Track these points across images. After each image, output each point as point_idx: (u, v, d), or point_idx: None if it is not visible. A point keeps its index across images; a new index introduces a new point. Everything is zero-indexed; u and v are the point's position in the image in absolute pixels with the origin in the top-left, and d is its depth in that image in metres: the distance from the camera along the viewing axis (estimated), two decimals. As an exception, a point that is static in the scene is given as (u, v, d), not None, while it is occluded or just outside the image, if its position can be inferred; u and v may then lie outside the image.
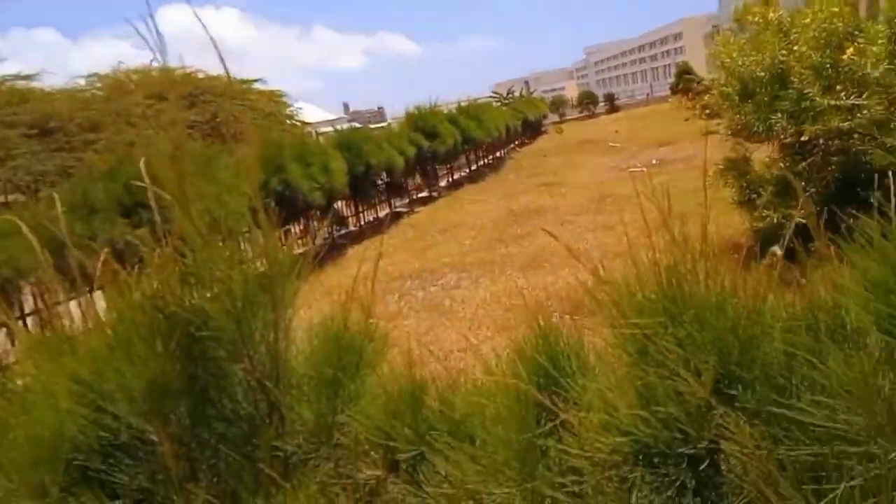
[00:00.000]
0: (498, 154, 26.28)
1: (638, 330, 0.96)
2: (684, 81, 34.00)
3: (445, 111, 18.96)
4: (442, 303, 7.49)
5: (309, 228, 11.77)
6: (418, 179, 17.89)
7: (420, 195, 17.83)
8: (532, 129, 35.33)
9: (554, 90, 69.65)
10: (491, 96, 41.85)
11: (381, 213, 15.12)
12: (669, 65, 60.35)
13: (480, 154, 23.48)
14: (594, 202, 13.40)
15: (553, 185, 16.58)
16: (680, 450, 0.82)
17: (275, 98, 29.97)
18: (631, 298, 1.03)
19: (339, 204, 13.29)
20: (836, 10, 6.73)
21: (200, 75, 27.52)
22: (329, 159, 10.97)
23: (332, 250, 12.19)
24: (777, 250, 1.05)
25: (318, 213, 11.81)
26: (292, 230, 11.41)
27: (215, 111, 26.06)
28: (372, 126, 26.78)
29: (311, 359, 1.28)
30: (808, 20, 6.97)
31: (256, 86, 29.55)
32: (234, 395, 1.34)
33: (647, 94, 51.69)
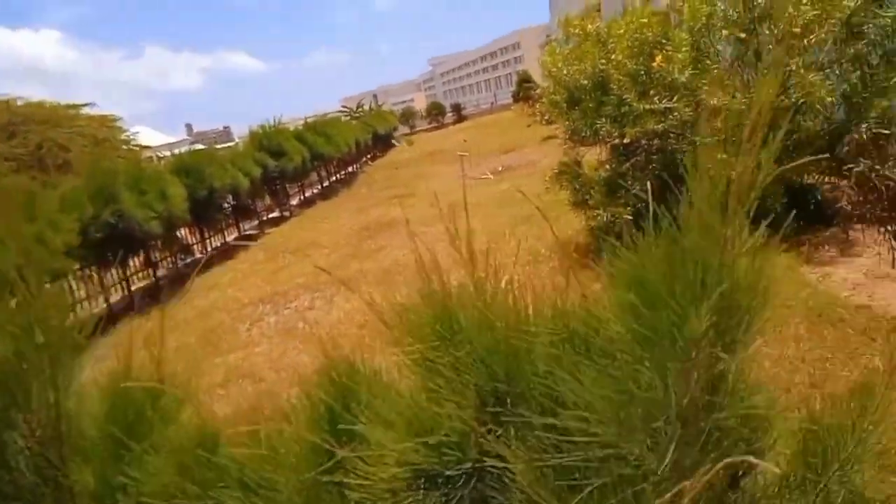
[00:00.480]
0: (350, 169, 26.19)
1: (418, 354, 0.97)
2: (524, 89, 35.61)
3: (292, 128, 18.62)
4: (296, 326, 7.32)
5: (150, 260, 11.11)
6: (268, 200, 17.45)
7: (271, 216, 17.38)
8: (383, 143, 35.52)
9: (403, 102, 70.43)
10: (340, 111, 41.65)
11: (230, 238, 14.58)
12: (511, 74, 62.88)
13: (332, 170, 23.28)
14: (444, 211, 13.67)
15: (405, 197, 16.73)
16: (453, 471, 0.84)
17: (107, 123, 28.07)
18: (416, 320, 1.05)
19: (183, 231, 12.67)
20: (644, 20, 7.30)
21: (19, 102, 25.37)
22: (166, 185, 10.42)
23: (177, 281, 11.59)
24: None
25: (160, 242, 11.19)
26: (132, 263, 10.72)
27: (39, 141, 24.01)
28: (218, 146, 25.76)
29: (98, 418, 1.20)
30: (622, 31, 7.51)
31: (86, 111, 27.58)
32: (13, 465, 1.22)
33: (492, 103, 53.47)
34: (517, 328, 0.92)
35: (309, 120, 20.23)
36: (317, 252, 11.36)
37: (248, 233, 15.40)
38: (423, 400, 0.88)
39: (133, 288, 10.89)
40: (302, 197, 19.82)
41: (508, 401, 0.88)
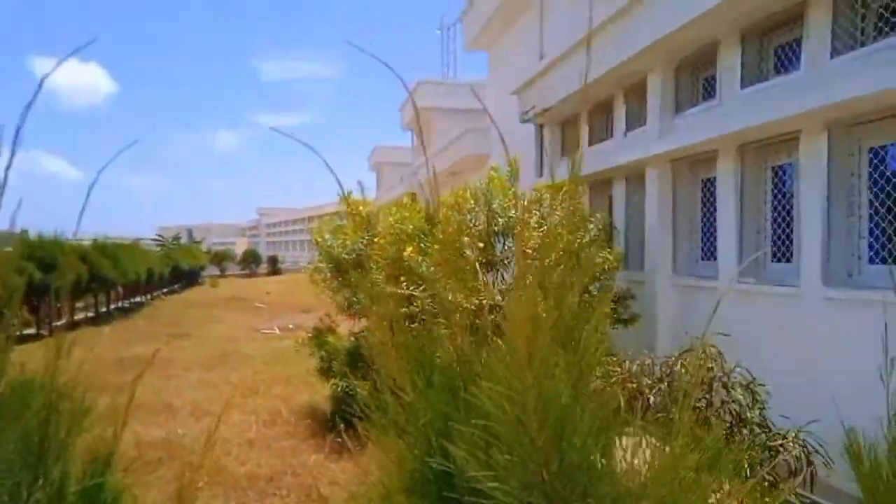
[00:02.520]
0: (139, 298, 24.86)
1: None
2: (339, 255, 36.62)
3: (76, 244, 17.64)
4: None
5: None
6: (27, 314, 15.99)
7: (26, 332, 15.87)
8: (188, 278, 34.35)
9: (224, 243, 69.17)
10: (154, 239, 40.12)
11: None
12: (334, 238, 64.25)
13: (117, 295, 21.99)
14: (214, 358, 13.29)
15: (181, 337, 16.13)
16: None
17: None
18: None
19: None
20: (407, 214, 8.11)
21: None
22: None
23: None
24: None
25: None
26: None
27: None
28: (8, 249, 23.33)
29: None
30: (391, 219, 8.27)
31: None
32: None
33: (309, 262, 53.99)
34: None
35: (98, 240, 19.23)
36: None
37: (-13, 345, 13.84)
38: None
39: None
40: (71, 318, 18.37)
41: None
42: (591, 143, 10.56)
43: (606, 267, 7.83)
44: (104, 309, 20.72)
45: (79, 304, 19.39)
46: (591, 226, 8.00)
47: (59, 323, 17.59)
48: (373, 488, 1.27)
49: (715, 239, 7.83)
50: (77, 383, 1.35)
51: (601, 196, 10.50)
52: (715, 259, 7.81)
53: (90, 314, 19.85)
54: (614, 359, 5.72)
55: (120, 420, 1.38)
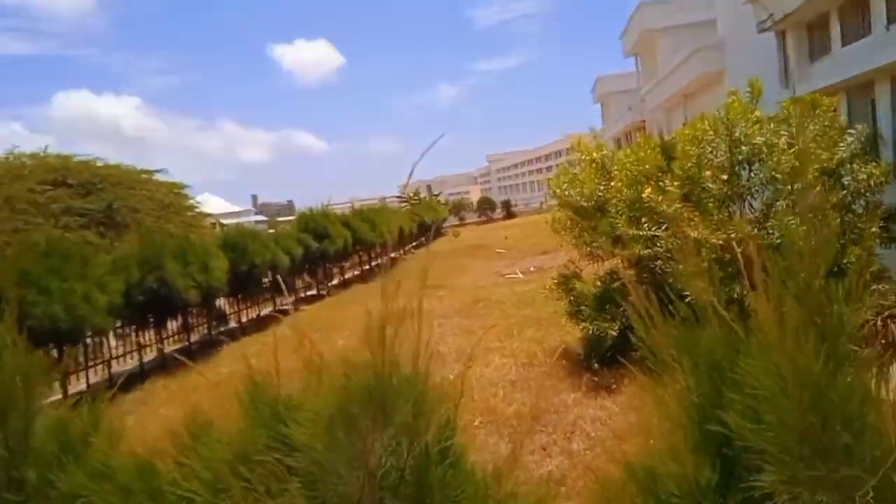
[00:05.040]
0: (393, 255, 27.23)
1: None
2: (571, 193, 36.61)
3: (339, 212, 19.84)
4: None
5: (186, 325, 12.01)
6: (307, 278, 18.43)
7: (309, 293, 18.33)
8: (432, 231, 36.81)
9: (459, 193, 72.63)
10: (397, 197, 43.43)
11: (265, 311, 15.49)
12: (564, 176, 64.18)
13: (375, 255, 24.37)
14: (467, 306, 14.30)
15: (435, 288, 17.47)
16: None
17: (175, 189, 29.96)
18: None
19: (221, 301, 13.61)
20: (643, 154, 8.01)
21: (99, 163, 27.33)
22: (210, 258, 11.41)
23: (210, 347, 12.43)
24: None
25: (197, 309, 12.11)
26: (169, 327, 11.63)
27: (112, 200, 25.79)
28: (280, 219, 27.06)
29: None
30: (624, 161, 8.23)
31: (157, 176, 29.53)
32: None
33: (542, 203, 54.72)
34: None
35: (356, 206, 21.43)
36: (338, 334, 12.07)
37: (283, 308, 16.29)
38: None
39: (167, 350, 11.78)
40: (342, 278, 20.79)
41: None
42: (843, 45, 9.48)
43: (872, 183, 7.15)
44: (367, 267, 23.08)
45: (346, 265, 21.81)
46: (851, 139, 7.32)
47: (334, 283, 20.06)
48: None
49: None
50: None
51: (861, 103, 9.42)
52: None
53: (356, 272, 22.23)
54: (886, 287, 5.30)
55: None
